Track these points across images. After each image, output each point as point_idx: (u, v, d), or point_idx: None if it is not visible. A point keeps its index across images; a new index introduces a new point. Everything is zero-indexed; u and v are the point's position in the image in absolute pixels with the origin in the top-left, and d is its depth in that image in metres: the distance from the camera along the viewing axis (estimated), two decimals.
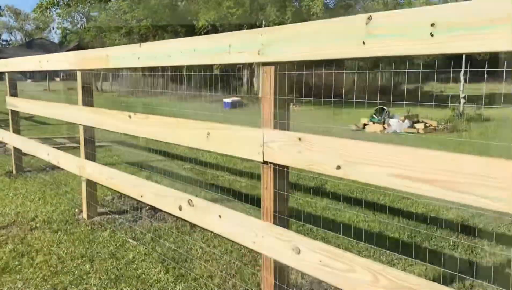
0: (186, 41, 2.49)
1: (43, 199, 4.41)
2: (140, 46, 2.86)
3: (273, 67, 1.98)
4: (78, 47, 55.13)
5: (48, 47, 60.53)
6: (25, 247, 3.23)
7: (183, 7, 22.63)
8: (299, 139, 1.86)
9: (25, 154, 5.69)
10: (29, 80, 44.75)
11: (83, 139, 3.81)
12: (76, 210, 4.06)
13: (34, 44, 63.50)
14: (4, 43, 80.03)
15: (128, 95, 18.58)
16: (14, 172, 5.60)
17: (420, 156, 1.47)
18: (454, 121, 11.36)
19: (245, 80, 21.76)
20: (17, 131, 5.61)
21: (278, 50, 1.91)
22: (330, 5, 22.20)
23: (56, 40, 76.96)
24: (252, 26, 16.36)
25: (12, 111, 5.53)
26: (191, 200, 2.55)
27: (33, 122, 10.85)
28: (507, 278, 2.69)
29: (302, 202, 4.31)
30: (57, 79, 40.93)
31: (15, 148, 5.58)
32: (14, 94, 5.47)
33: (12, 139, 5.57)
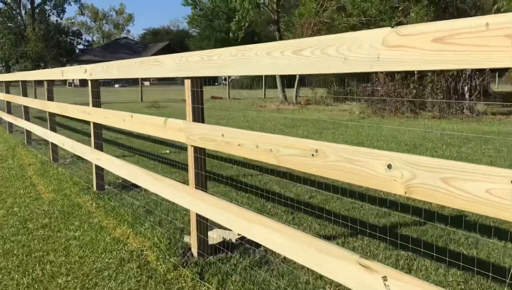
0: None
1: None
2: None
3: None
4: (168, 47, 52.61)
5: (133, 47, 59.23)
6: None
7: None
8: None
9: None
10: (116, 85, 37.76)
11: None
12: None
13: (119, 44, 60.44)
14: (87, 44, 76.63)
15: None
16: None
17: None
18: None
19: None
20: None
21: None
22: None
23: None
24: None
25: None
26: None
27: None
28: None
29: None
30: (146, 83, 34.30)
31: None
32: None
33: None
